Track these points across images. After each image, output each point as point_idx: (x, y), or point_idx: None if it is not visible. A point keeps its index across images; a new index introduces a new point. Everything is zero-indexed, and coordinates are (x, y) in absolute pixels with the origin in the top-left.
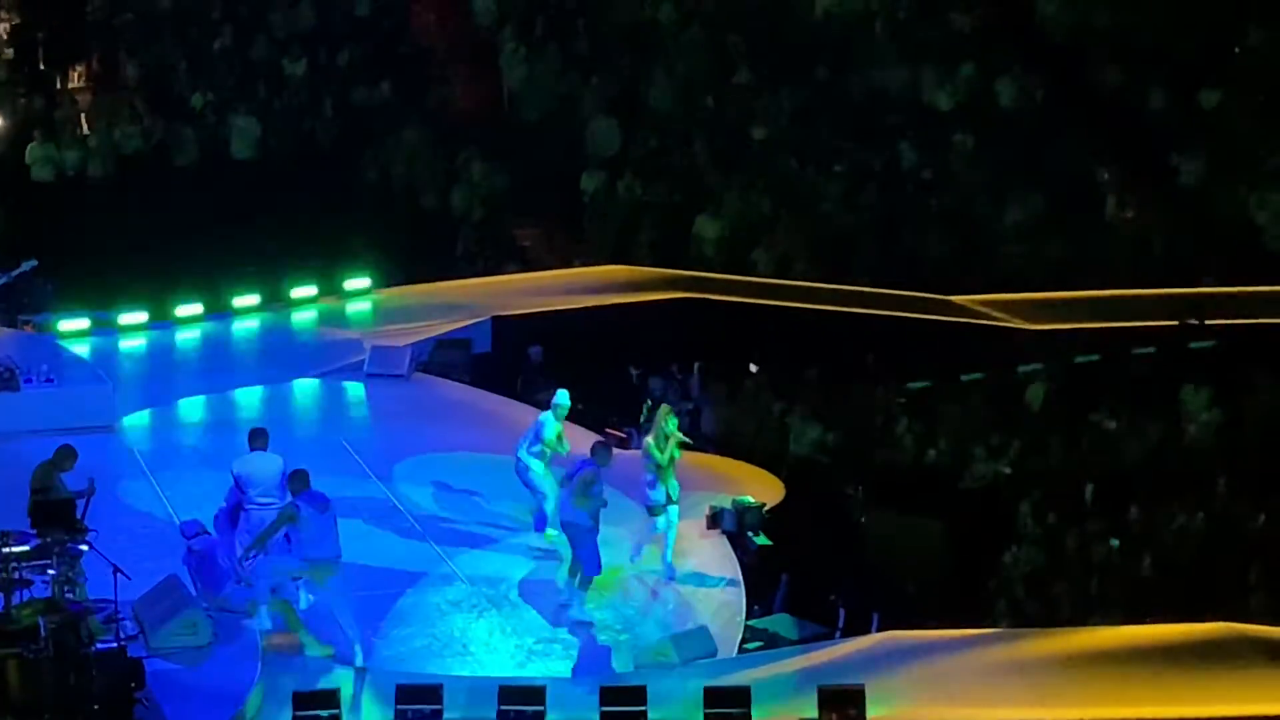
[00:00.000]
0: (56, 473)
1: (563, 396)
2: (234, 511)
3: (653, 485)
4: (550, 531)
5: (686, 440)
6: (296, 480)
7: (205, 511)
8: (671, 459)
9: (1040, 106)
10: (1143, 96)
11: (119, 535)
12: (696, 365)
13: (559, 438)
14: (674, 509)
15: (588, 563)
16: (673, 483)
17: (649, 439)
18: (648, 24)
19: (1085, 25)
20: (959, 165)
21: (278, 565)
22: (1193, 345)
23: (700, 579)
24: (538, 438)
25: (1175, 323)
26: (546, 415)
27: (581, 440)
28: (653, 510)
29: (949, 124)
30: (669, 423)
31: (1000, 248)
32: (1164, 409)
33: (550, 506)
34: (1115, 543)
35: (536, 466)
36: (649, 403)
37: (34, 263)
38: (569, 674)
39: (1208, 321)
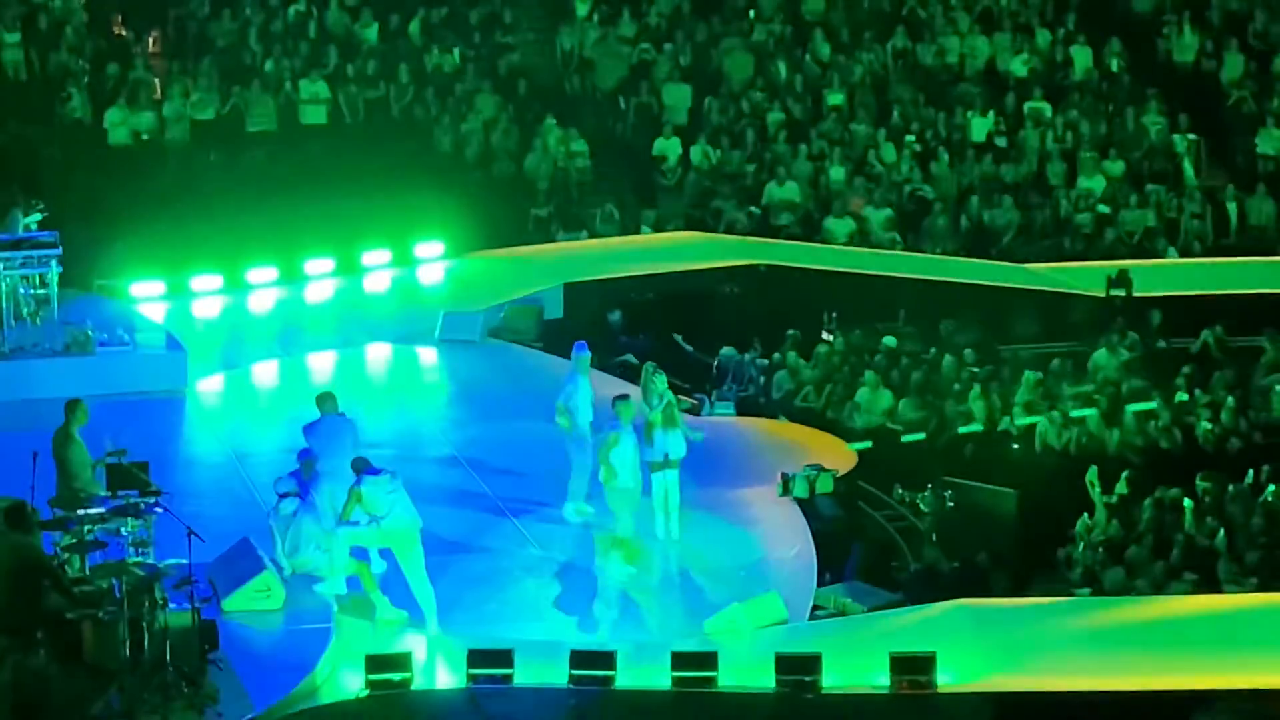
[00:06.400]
0: (72, 429)
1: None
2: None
3: (647, 443)
4: (583, 507)
5: (680, 399)
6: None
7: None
8: (669, 418)
9: (1116, 75)
10: (1219, 64)
11: (191, 498)
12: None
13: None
14: (673, 472)
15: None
16: (675, 443)
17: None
18: None
19: None
20: (1033, 133)
21: (358, 533)
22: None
23: (771, 545)
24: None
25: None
26: (583, 380)
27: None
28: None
29: (1024, 92)
30: (658, 381)
31: (1075, 216)
32: (1238, 378)
33: (585, 479)
34: (1189, 503)
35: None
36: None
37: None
38: (640, 638)
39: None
